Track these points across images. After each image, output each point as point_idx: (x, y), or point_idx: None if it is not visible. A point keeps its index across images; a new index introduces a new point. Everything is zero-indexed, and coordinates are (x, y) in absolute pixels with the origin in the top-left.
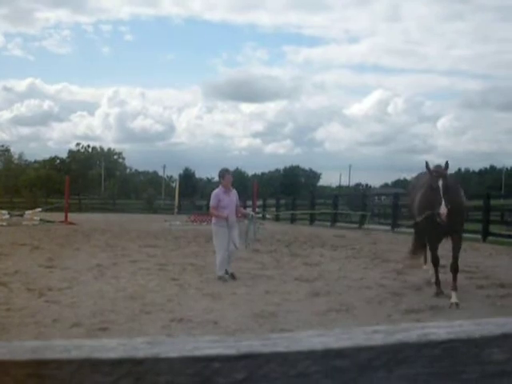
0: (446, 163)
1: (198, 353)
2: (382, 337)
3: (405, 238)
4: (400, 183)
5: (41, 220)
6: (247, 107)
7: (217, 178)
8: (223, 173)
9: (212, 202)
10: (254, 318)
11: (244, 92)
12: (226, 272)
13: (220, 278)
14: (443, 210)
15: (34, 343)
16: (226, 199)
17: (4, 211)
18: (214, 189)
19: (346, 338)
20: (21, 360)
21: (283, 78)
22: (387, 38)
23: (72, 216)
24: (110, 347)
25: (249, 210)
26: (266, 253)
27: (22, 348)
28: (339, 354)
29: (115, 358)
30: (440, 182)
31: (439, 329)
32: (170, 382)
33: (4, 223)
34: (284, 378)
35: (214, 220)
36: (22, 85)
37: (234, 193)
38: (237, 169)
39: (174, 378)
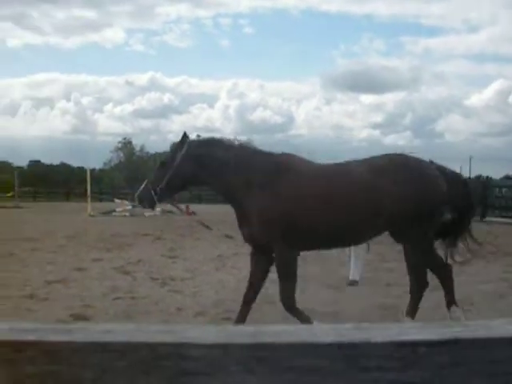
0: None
1: (404, 338)
2: None
3: None
4: None
5: (162, 210)
6: (366, 98)
7: None
8: None
9: None
10: (375, 309)
11: (362, 83)
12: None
13: (350, 283)
14: None
15: (250, 328)
16: None
17: (127, 202)
18: None
19: None
20: (242, 343)
21: (402, 69)
22: (508, 26)
23: (193, 207)
24: (323, 332)
25: None
26: (386, 244)
27: (241, 332)
28: None
29: (330, 342)
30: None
31: None
32: (379, 366)
33: (127, 214)
34: (482, 362)
35: None
36: (143, 78)
37: None
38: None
39: (383, 361)
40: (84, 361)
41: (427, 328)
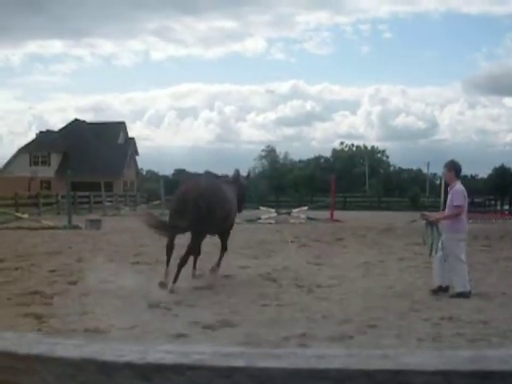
0: None
1: None
2: None
3: None
4: None
5: (307, 218)
6: (510, 101)
7: (481, 175)
8: None
9: None
10: None
11: (506, 86)
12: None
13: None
14: None
15: (469, 353)
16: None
17: (272, 209)
18: (476, 185)
19: None
20: (465, 370)
21: None
22: None
23: (337, 214)
24: None
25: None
26: None
27: (460, 358)
28: None
29: None
30: None
31: None
32: None
33: (272, 221)
34: None
35: None
36: (285, 87)
37: (452, 190)
38: (502, 165)
39: None
40: None
41: None
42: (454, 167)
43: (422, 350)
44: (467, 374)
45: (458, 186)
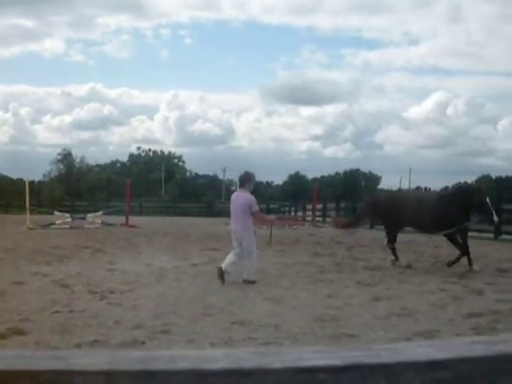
0: None
1: (303, 364)
2: (483, 348)
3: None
4: None
5: (102, 223)
6: (306, 110)
7: (276, 182)
8: None
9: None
10: (315, 321)
11: (303, 95)
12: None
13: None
14: None
15: (140, 354)
16: None
17: (66, 214)
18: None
19: (447, 349)
20: (129, 370)
21: (342, 81)
22: (447, 39)
23: (133, 219)
24: (216, 358)
25: None
26: (327, 256)
27: (129, 358)
28: (442, 365)
29: (222, 368)
30: None
31: None
32: None
33: (66, 226)
34: None
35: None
36: (82, 89)
37: None
38: (297, 172)
39: None
40: None
41: (327, 353)
42: None
43: (95, 351)
44: (131, 374)
45: None
